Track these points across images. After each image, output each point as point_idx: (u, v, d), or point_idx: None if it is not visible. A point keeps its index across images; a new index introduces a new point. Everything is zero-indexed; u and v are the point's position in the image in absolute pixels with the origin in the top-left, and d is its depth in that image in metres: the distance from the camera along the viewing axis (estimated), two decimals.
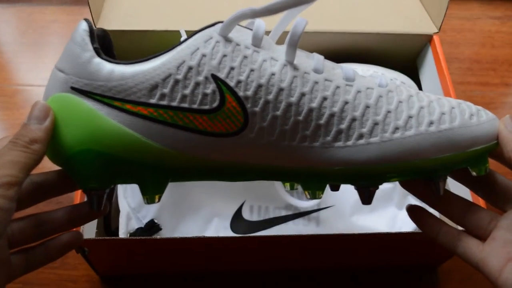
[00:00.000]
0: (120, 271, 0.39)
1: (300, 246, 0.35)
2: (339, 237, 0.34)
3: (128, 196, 0.39)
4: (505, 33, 0.58)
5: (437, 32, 0.43)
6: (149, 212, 0.39)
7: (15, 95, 0.51)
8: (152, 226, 0.38)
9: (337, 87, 0.22)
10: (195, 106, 0.22)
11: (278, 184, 0.39)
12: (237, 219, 0.40)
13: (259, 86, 0.22)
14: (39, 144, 0.21)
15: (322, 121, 0.22)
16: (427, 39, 0.43)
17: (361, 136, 0.22)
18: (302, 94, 0.22)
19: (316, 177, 0.23)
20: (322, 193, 0.24)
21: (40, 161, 0.22)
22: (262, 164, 0.23)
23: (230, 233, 0.39)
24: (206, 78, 0.21)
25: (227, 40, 0.22)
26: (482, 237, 0.25)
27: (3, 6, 0.58)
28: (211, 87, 0.21)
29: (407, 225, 0.40)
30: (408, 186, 0.27)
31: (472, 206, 0.26)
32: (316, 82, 0.22)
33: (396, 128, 0.23)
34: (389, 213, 0.41)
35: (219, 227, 0.39)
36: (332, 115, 0.22)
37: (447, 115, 0.23)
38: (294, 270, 0.40)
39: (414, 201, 0.41)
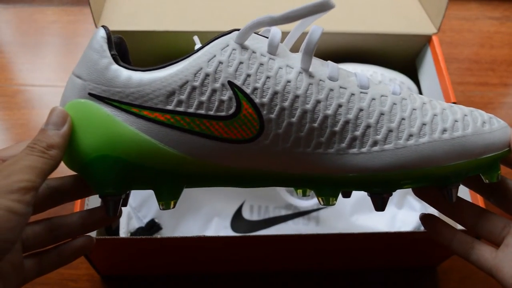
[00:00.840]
0: (121, 271, 0.39)
1: (300, 245, 0.35)
2: (339, 237, 0.34)
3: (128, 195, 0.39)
4: (504, 33, 0.58)
5: (436, 33, 0.43)
6: (150, 211, 0.39)
7: (16, 95, 0.51)
8: (153, 226, 0.38)
9: (352, 94, 0.23)
10: (211, 112, 0.22)
11: None
12: (237, 219, 0.40)
13: (275, 93, 0.22)
14: (56, 149, 0.21)
15: (337, 128, 0.22)
16: (426, 40, 0.43)
17: (375, 143, 0.23)
18: (318, 101, 0.22)
19: (330, 184, 0.24)
20: (336, 200, 0.24)
21: (57, 167, 0.22)
22: (277, 171, 0.24)
23: (230, 233, 0.39)
24: (222, 85, 0.22)
25: (244, 47, 0.22)
26: (495, 243, 0.25)
27: (4, 6, 0.59)
28: (227, 94, 0.22)
29: (407, 225, 0.40)
30: (421, 193, 0.27)
31: (485, 213, 0.26)
32: (331, 90, 0.23)
33: (410, 135, 0.23)
34: (389, 212, 0.41)
35: (219, 227, 0.40)
36: (347, 122, 0.23)
37: (460, 123, 0.24)
38: (294, 270, 0.40)
39: (414, 201, 0.41)
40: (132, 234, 0.38)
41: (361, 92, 0.23)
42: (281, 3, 0.45)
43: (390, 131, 0.23)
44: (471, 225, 0.26)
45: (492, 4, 0.61)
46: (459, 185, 0.25)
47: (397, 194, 0.41)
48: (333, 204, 0.24)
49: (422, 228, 0.40)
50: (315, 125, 0.22)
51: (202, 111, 0.22)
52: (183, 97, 0.22)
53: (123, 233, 0.38)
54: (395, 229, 0.40)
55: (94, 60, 0.22)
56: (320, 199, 0.24)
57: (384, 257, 0.39)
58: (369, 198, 0.41)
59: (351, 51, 0.44)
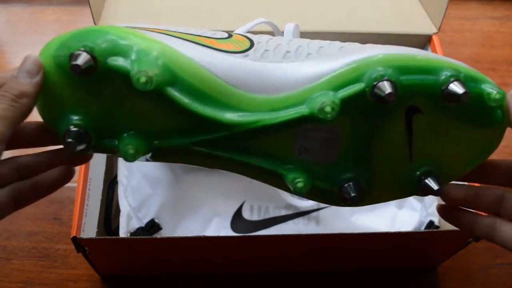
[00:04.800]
0: (121, 271, 0.39)
1: (300, 245, 0.35)
2: (339, 237, 0.34)
3: (128, 195, 0.39)
4: (504, 33, 0.58)
5: (437, 32, 0.43)
6: (150, 211, 0.39)
7: None
8: (153, 226, 0.38)
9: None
10: (211, 36, 0.25)
11: None
12: (237, 219, 0.40)
13: (260, 37, 0.25)
14: (28, 98, 0.21)
15: (323, 44, 0.25)
16: (427, 39, 0.43)
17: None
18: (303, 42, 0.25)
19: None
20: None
21: (27, 117, 0.21)
22: (259, 97, 0.23)
23: (230, 233, 0.39)
24: None
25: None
26: None
27: (4, 6, 0.59)
28: (223, 34, 0.25)
29: (407, 225, 0.40)
30: (445, 215, 0.26)
31: (507, 193, 0.25)
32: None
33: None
34: (389, 212, 0.41)
35: (219, 227, 0.40)
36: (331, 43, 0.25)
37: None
38: (293, 270, 0.40)
39: (414, 201, 0.41)
40: (132, 234, 0.38)
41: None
42: (281, 2, 0.45)
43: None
44: (491, 206, 0.25)
45: (492, 4, 0.61)
46: (438, 178, 0.23)
47: None
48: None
49: (422, 228, 0.40)
50: (303, 42, 0.25)
51: (205, 35, 0.25)
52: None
53: (123, 233, 0.38)
54: (395, 229, 0.40)
55: None
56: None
57: (384, 257, 0.39)
58: None
59: None
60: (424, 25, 0.43)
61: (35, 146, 0.24)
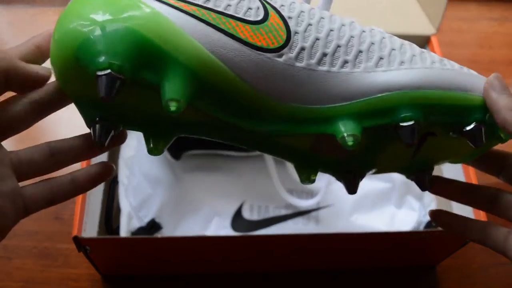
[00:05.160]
0: (122, 270, 0.39)
1: (300, 245, 0.35)
2: (339, 236, 0.34)
3: (129, 195, 0.39)
4: (502, 34, 0.59)
5: (435, 33, 0.43)
6: (150, 211, 0.39)
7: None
8: (153, 225, 0.39)
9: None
10: (239, 15, 0.21)
11: (278, 184, 0.39)
12: (237, 218, 0.40)
13: (301, 11, 0.22)
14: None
15: (363, 47, 0.22)
16: (425, 40, 0.43)
17: (402, 63, 0.22)
18: (342, 24, 0.22)
19: (353, 117, 0.22)
20: (315, 175, 0.24)
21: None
22: (286, 105, 0.22)
23: (231, 232, 0.40)
24: None
25: None
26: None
27: (5, 7, 0.59)
28: (256, 3, 0.21)
29: (406, 225, 0.40)
30: (437, 190, 0.26)
31: (500, 193, 0.25)
32: (352, 22, 0.23)
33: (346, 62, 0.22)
34: (388, 212, 0.41)
35: (219, 226, 0.40)
36: (372, 43, 0.22)
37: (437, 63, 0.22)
38: (294, 269, 0.40)
39: (413, 201, 0.41)
40: (132, 233, 0.38)
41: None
42: None
43: (414, 55, 0.22)
44: (485, 208, 0.25)
45: (490, 5, 0.61)
46: (431, 172, 0.25)
47: (396, 194, 0.42)
48: (313, 179, 0.23)
49: (421, 228, 0.40)
50: (342, 42, 0.22)
51: (230, 12, 0.20)
52: None
53: (123, 232, 0.38)
54: (395, 229, 0.40)
55: None
56: (303, 176, 0.24)
57: (383, 257, 0.39)
58: (369, 198, 0.41)
59: None
60: (423, 26, 0.43)
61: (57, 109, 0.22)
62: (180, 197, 0.40)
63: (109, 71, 0.19)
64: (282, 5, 0.21)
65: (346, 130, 0.21)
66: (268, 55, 0.21)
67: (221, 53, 0.20)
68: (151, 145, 0.23)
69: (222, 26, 0.20)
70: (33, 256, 0.40)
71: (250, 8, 0.21)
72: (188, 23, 0.20)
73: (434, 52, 0.42)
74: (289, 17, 0.21)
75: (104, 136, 0.22)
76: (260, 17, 0.21)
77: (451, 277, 0.41)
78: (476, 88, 0.22)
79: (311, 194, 0.41)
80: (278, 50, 0.21)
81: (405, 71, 0.22)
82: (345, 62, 0.21)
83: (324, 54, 0.21)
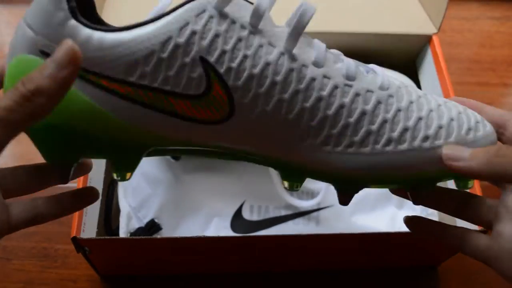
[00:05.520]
0: (121, 271, 0.39)
1: (300, 245, 0.35)
2: (339, 237, 0.34)
3: (128, 195, 0.39)
4: (504, 33, 0.58)
5: (437, 33, 0.43)
6: (150, 211, 0.39)
7: None
8: (153, 226, 0.38)
9: (335, 87, 0.21)
10: (178, 90, 0.19)
11: (278, 184, 0.39)
12: (237, 219, 0.40)
13: (251, 76, 0.20)
14: (44, 98, 0.16)
15: (313, 123, 0.21)
16: (427, 40, 0.43)
17: (351, 144, 0.21)
18: (297, 92, 0.20)
19: (296, 171, 0.22)
20: (301, 185, 0.23)
21: (39, 120, 0.17)
22: (239, 150, 0.22)
23: (230, 233, 0.39)
24: (193, 60, 0.19)
25: (223, 15, 0.19)
26: (485, 226, 0.24)
27: (4, 6, 0.58)
28: (198, 71, 0.19)
29: None
30: (399, 192, 0.26)
31: (468, 197, 0.25)
32: (313, 79, 0.20)
33: (389, 141, 0.21)
34: (389, 212, 0.41)
35: (219, 227, 0.40)
36: (325, 118, 0.21)
37: (444, 129, 0.22)
38: (294, 270, 0.40)
39: None
40: (132, 234, 0.38)
41: (345, 85, 0.21)
42: (281, 2, 0.45)
43: (369, 133, 0.21)
44: (455, 213, 0.25)
45: (492, 4, 0.61)
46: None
47: None
48: (297, 189, 0.23)
49: None
50: (291, 116, 0.20)
51: (168, 87, 0.19)
52: (148, 69, 0.19)
53: (123, 233, 0.38)
54: (396, 229, 0.40)
55: (48, 11, 0.19)
56: (284, 181, 0.23)
57: (384, 257, 0.39)
58: (369, 198, 0.41)
59: (351, 51, 0.44)
60: (424, 25, 0.43)
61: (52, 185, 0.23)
62: (179, 198, 0.40)
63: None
64: (230, 69, 0.20)
65: (290, 179, 0.23)
66: (209, 126, 0.20)
67: (157, 128, 0.20)
68: (116, 175, 0.22)
69: (159, 105, 0.20)
70: (32, 257, 0.40)
71: (191, 79, 0.19)
72: (120, 107, 0.20)
73: (435, 51, 0.42)
74: (235, 88, 0.20)
75: (66, 173, 0.22)
76: (202, 89, 0.20)
77: (452, 277, 0.40)
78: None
79: (311, 195, 0.41)
80: (219, 122, 0.20)
81: (350, 156, 0.22)
82: (292, 137, 0.21)
83: (270, 127, 0.21)
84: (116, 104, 0.20)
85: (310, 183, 0.40)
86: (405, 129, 0.22)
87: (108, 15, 0.42)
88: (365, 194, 0.41)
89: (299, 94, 0.20)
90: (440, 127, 0.22)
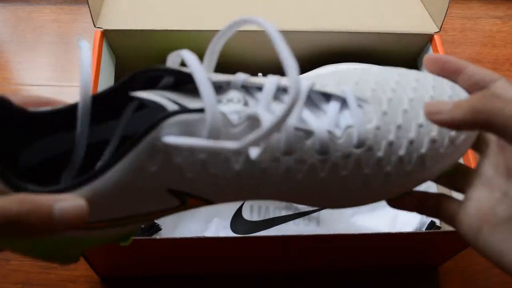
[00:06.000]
0: (120, 272, 0.38)
1: (300, 246, 0.35)
2: (340, 237, 0.34)
3: None
4: (506, 32, 0.58)
5: (438, 32, 0.43)
6: None
7: (14, 94, 0.51)
8: (152, 226, 0.38)
9: (311, 168, 0.19)
10: (153, 210, 0.19)
11: None
12: (237, 219, 0.40)
13: (223, 187, 0.19)
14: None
15: (303, 203, 0.21)
16: (428, 39, 0.43)
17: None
18: (272, 189, 0.20)
19: None
20: None
21: None
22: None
23: (230, 233, 0.39)
24: (162, 192, 0.19)
25: (175, 150, 0.18)
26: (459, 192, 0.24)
27: (2, 5, 0.58)
28: (170, 199, 0.19)
29: (408, 225, 0.40)
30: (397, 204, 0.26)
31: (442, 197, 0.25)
32: (288, 170, 0.19)
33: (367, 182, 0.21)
34: (390, 213, 0.41)
35: (219, 227, 0.39)
36: (310, 195, 0.20)
37: (427, 157, 0.21)
38: (294, 270, 0.40)
39: None
40: None
41: (320, 161, 0.19)
42: (281, 2, 0.44)
43: (352, 191, 0.21)
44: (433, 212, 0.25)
45: (494, 3, 0.61)
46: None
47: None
48: None
49: (423, 229, 0.40)
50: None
51: (144, 212, 0.19)
52: (115, 209, 0.19)
53: None
54: (396, 230, 0.40)
55: None
56: None
57: (385, 258, 0.39)
58: None
59: (352, 50, 0.44)
60: (425, 24, 0.43)
61: None
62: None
63: None
64: (199, 190, 0.19)
65: None
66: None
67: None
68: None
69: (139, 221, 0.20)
70: (31, 258, 0.40)
71: (165, 203, 0.19)
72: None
73: (437, 50, 0.42)
74: (208, 200, 0.20)
75: None
76: (177, 204, 0.20)
77: (453, 278, 0.40)
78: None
79: None
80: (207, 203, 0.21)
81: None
82: None
83: None
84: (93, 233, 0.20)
85: None
86: (387, 175, 0.21)
87: (106, 13, 0.42)
88: None
89: (276, 191, 0.20)
90: (422, 157, 0.22)
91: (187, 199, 0.19)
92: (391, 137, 0.21)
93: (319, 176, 0.20)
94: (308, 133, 0.20)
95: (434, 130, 0.22)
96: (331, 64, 0.42)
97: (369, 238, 0.34)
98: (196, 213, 0.40)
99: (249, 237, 0.37)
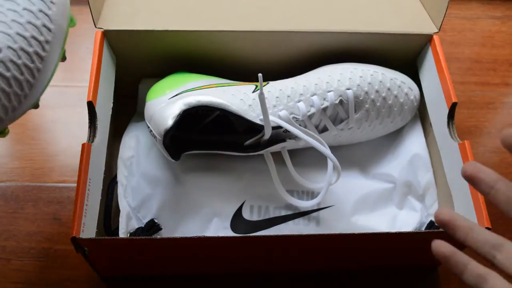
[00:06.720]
0: (120, 271, 0.39)
1: (300, 246, 0.35)
2: (340, 237, 0.34)
3: (128, 196, 0.39)
4: (505, 33, 0.58)
5: (437, 32, 0.43)
6: (149, 212, 0.39)
7: None
8: (152, 226, 0.38)
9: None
10: None
11: (278, 184, 0.39)
12: (237, 219, 0.40)
13: None
14: None
15: None
16: (427, 39, 0.43)
17: None
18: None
19: None
20: None
21: None
22: None
23: (230, 233, 0.39)
24: None
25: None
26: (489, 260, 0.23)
27: None
28: None
29: (407, 225, 0.40)
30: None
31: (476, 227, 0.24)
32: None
33: None
34: (389, 213, 0.41)
35: (219, 227, 0.39)
36: None
37: None
38: (294, 270, 0.40)
39: (414, 201, 0.41)
40: (131, 234, 0.38)
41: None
42: (281, 2, 0.45)
43: None
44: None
45: (493, 4, 0.61)
46: None
47: (397, 194, 0.41)
48: None
49: (423, 229, 0.40)
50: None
51: None
52: None
53: (122, 233, 0.38)
54: (396, 230, 0.40)
55: None
56: None
57: (385, 258, 0.39)
58: (370, 199, 0.41)
59: (352, 50, 0.44)
60: (424, 25, 0.43)
61: None
62: (179, 198, 0.40)
63: None
64: None
65: None
66: None
67: None
68: None
69: None
70: (31, 257, 0.40)
71: None
72: None
73: (436, 51, 0.42)
74: None
75: None
76: None
77: (453, 278, 0.40)
78: None
79: (311, 195, 0.41)
80: None
81: None
82: None
83: None
84: None
85: (310, 183, 0.40)
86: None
87: (107, 14, 0.42)
88: (365, 194, 0.41)
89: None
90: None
91: None
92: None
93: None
94: None
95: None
96: (331, 64, 0.42)
97: (369, 238, 0.34)
98: (196, 213, 0.40)
99: (249, 237, 0.37)
